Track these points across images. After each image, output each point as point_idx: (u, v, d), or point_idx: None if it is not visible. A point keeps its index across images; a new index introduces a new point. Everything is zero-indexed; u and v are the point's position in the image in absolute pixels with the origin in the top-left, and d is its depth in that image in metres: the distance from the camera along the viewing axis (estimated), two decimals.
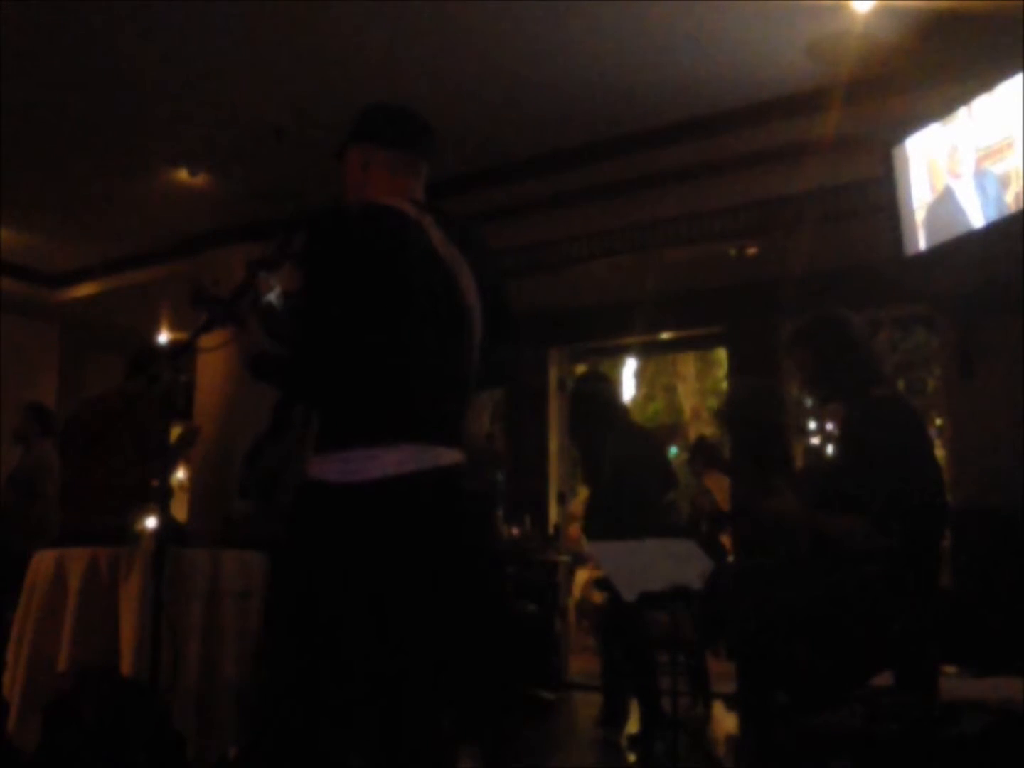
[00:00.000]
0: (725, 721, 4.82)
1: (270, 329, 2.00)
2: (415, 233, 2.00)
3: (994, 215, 3.92)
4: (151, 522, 3.99)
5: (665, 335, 8.20)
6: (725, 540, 6.99)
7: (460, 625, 1.98)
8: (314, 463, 1.93)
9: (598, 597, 5.87)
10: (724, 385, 9.67)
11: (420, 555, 1.89)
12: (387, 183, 2.09)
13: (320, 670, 1.87)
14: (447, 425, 1.98)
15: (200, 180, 5.89)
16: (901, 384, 7.61)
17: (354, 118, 2.19)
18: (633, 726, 4.57)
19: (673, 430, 12.46)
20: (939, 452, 4.13)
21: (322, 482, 1.89)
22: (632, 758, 4.25)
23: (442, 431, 1.96)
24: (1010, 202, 3.83)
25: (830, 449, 8.01)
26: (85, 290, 7.91)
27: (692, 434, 11.90)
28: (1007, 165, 3.84)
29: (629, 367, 12.03)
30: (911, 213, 4.36)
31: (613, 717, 4.61)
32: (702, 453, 3.67)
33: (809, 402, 7.73)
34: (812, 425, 8.68)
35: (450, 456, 1.95)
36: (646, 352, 9.78)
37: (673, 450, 12.00)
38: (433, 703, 1.94)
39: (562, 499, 8.04)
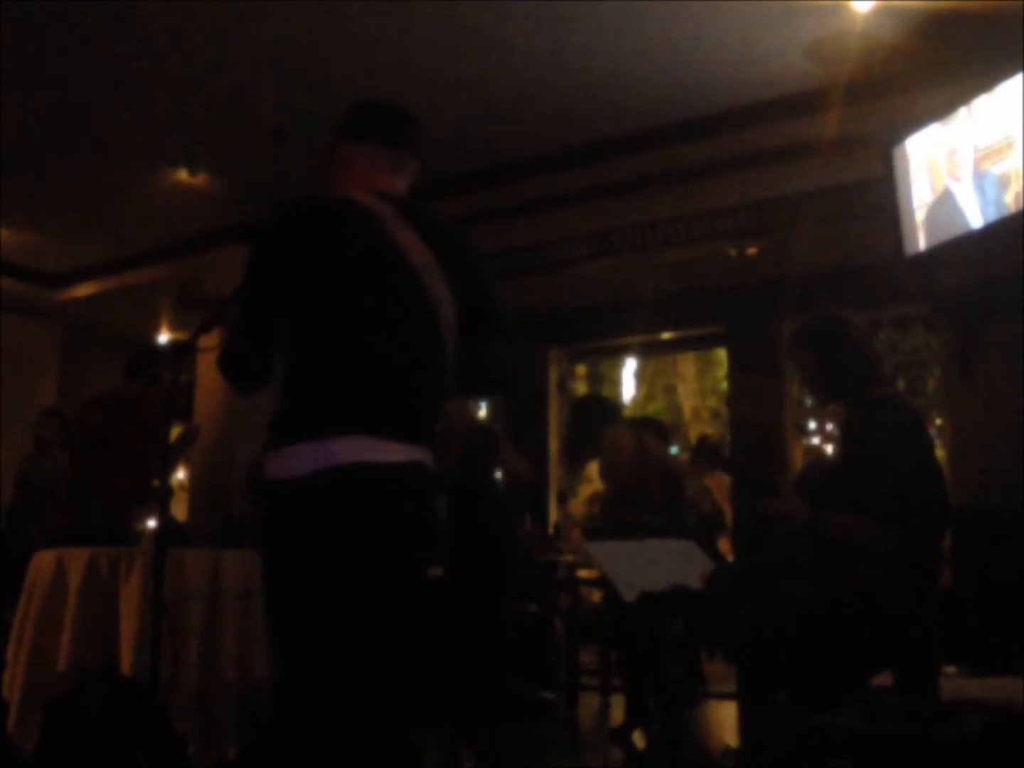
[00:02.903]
0: (725, 721, 4.82)
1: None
2: (365, 223, 1.96)
3: (993, 215, 3.92)
4: (151, 522, 3.99)
5: (665, 335, 8.21)
6: (723, 544, 6.99)
7: (399, 616, 1.93)
8: (265, 460, 1.91)
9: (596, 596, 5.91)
10: (724, 385, 9.66)
11: (353, 549, 1.86)
12: (364, 178, 2.07)
13: (288, 667, 1.89)
14: (406, 421, 1.93)
15: (200, 180, 5.89)
16: (901, 384, 7.61)
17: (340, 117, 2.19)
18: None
19: (673, 430, 12.46)
20: (939, 452, 4.13)
21: (269, 480, 1.89)
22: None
23: (399, 426, 1.90)
24: (1009, 202, 3.83)
25: (830, 449, 8.01)
26: (85, 290, 7.92)
27: (692, 434, 11.90)
28: (1007, 165, 3.84)
29: (629, 367, 12.04)
30: (911, 213, 4.36)
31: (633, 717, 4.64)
32: (703, 453, 3.66)
33: (809, 402, 7.73)
34: (812, 425, 8.68)
35: (402, 452, 1.89)
36: (646, 352, 9.78)
37: (673, 450, 12.00)
38: (379, 693, 1.91)
39: (562, 499, 8.05)
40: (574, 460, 5.56)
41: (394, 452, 1.88)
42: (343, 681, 1.87)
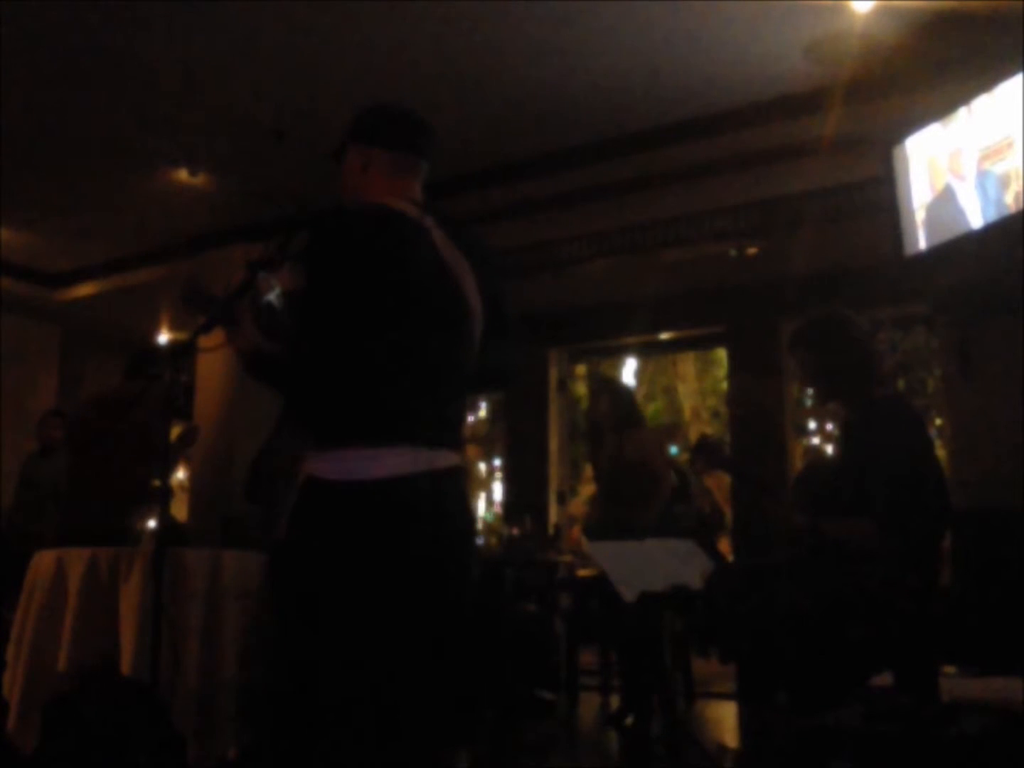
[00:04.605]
0: (725, 721, 4.82)
1: (269, 329, 1.99)
2: (417, 234, 1.99)
3: (994, 215, 3.92)
4: (151, 522, 3.99)
5: (665, 335, 8.21)
6: (723, 544, 7.00)
7: (455, 626, 1.98)
8: (312, 461, 1.92)
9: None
10: (724, 385, 9.67)
11: (418, 555, 1.89)
12: (387, 184, 2.08)
13: (321, 668, 1.88)
14: (446, 427, 1.98)
15: (200, 180, 5.90)
16: (901, 384, 7.62)
17: (353, 118, 2.18)
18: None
19: (673, 430, 12.46)
20: (939, 452, 4.13)
21: (322, 480, 1.90)
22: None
23: (441, 433, 1.96)
24: (1010, 202, 3.83)
25: (830, 449, 8.02)
26: (85, 290, 7.92)
27: (692, 434, 11.91)
28: (1007, 165, 3.84)
29: (629, 367, 12.04)
30: (911, 213, 4.36)
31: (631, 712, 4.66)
32: (704, 452, 3.65)
33: (809, 402, 7.74)
34: (812, 425, 8.68)
35: (447, 459, 1.95)
36: (646, 352, 9.79)
37: (673, 450, 12.00)
38: (432, 701, 1.94)
39: (562, 499, 8.05)
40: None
41: (440, 459, 1.93)
42: (391, 683, 1.89)
